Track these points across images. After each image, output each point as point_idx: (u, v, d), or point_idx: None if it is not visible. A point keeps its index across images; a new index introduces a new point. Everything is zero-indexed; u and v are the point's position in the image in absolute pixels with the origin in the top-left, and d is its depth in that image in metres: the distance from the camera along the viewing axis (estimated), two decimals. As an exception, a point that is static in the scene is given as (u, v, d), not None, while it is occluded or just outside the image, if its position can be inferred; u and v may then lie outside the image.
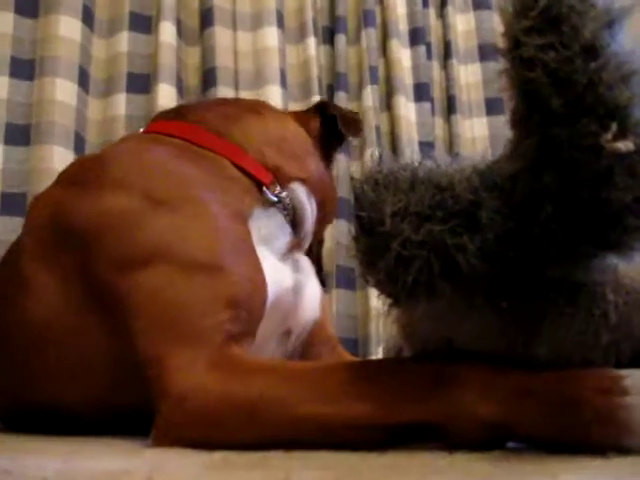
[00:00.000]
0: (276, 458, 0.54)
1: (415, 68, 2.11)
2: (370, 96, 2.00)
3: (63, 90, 1.76)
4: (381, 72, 2.08)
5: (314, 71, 1.96)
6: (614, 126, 0.43)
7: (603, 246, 0.48)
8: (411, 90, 2.09)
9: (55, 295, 0.81)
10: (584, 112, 0.43)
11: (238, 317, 0.73)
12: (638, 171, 0.44)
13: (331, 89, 2.04)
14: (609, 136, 0.43)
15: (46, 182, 1.72)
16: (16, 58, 1.76)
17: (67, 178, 0.91)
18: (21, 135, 1.75)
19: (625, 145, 0.43)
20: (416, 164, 0.55)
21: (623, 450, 0.49)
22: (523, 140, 0.47)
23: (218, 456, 0.55)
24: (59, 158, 1.74)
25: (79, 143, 1.81)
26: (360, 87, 2.04)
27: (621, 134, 0.43)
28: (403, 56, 2.09)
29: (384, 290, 0.54)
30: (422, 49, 2.12)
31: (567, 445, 0.50)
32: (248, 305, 0.76)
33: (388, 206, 0.51)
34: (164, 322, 0.70)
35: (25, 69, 1.77)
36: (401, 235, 0.50)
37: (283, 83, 1.90)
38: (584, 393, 0.51)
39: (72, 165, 0.98)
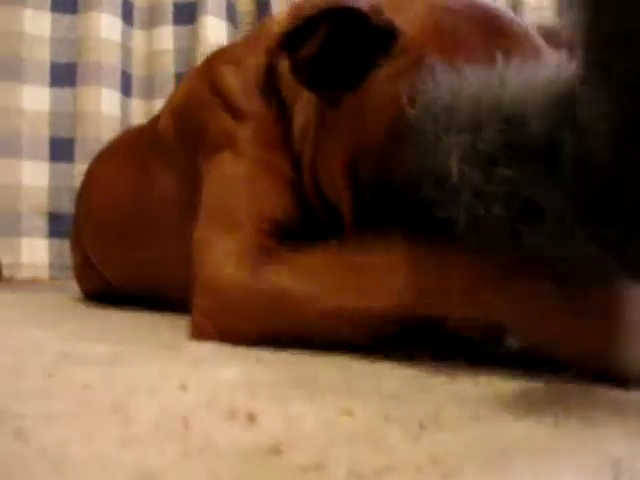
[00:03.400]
0: (304, 358, 0.58)
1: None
2: None
3: (107, 26, 1.73)
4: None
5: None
6: None
7: None
8: None
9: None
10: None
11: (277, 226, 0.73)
12: None
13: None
14: None
15: (94, 126, 1.75)
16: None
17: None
18: (66, 75, 1.74)
19: None
20: (473, 84, 0.48)
21: None
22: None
23: (252, 354, 0.59)
24: (106, 100, 1.73)
25: (126, 81, 1.79)
26: None
27: None
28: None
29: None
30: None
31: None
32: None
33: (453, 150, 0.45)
34: (216, 208, 0.75)
35: (68, 3, 1.75)
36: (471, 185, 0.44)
37: None
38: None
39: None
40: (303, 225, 0.72)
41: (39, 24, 1.71)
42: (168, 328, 0.78)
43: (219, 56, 0.89)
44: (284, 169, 0.74)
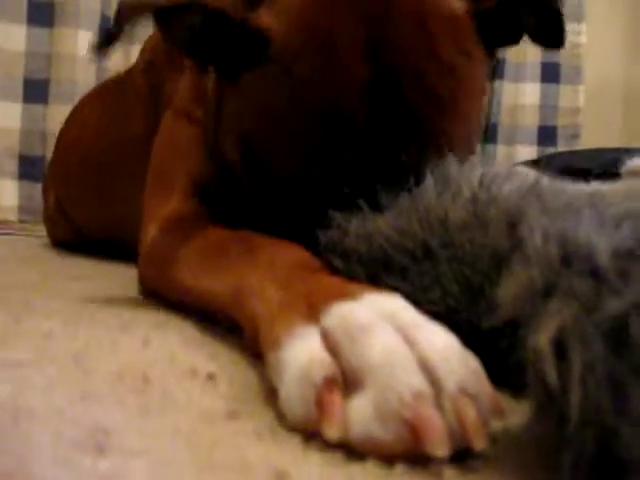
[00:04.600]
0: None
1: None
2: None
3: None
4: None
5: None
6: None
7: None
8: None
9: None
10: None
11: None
12: None
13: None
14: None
15: (69, 67, 1.73)
16: None
17: None
18: (45, 15, 1.71)
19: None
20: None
21: None
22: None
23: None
24: (83, 42, 1.70)
25: (105, 24, 1.76)
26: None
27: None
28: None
29: None
30: None
31: None
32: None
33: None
34: (155, 169, 0.78)
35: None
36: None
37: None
38: None
39: None
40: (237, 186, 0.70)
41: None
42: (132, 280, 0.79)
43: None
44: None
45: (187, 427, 0.32)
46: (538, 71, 2.08)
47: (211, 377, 0.40)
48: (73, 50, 1.70)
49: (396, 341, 0.31)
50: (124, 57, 1.78)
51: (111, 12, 1.78)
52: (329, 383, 0.31)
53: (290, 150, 0.57)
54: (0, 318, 0.53)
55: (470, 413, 0.29)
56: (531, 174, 0.47)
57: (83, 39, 1.70)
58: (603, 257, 0.27)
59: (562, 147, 2.05)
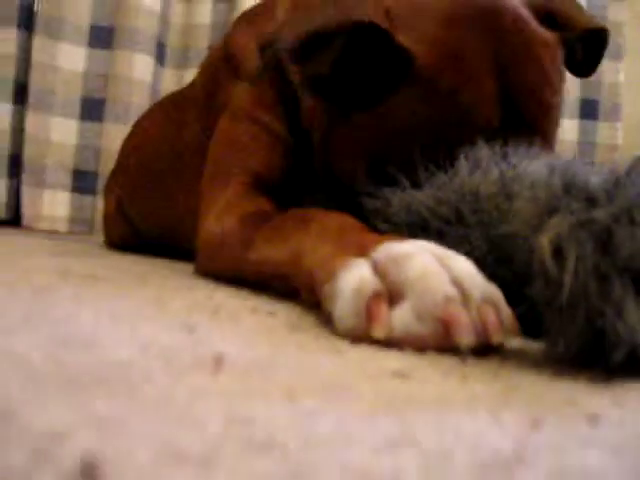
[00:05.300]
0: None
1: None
2: None
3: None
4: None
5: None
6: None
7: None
8: None
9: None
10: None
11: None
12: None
13: None
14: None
15: (125, 88, 1.84)
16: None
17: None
18: (105, 39, 1.83)
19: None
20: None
21: None
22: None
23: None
24: (139, 65, 1.81)
25: (160, 50, 1.88)
26: None
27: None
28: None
29: None
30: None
31: None
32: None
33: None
34: (213, 164, 0.85)
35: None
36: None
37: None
38: None
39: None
40: (292, 179, 0.80)
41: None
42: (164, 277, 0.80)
43: (238, 18, 0.98)
44: (274, 127, 0.82)
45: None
46: (577, 107, 2.15)
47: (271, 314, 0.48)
48: (129, 72, 1.81)
49: (432, 262, 0.39)
50: (177, 80, 1.90)
51: (166, 39, 1.91)
52: (377, 296, 0.38)
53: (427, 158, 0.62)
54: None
55: (490, 315, 0.36)
56: (554, 159, 0.54)
57: (139, 62, 1.82)
58: (596, 185, 0.35)
59: (598, 182, 2.10)
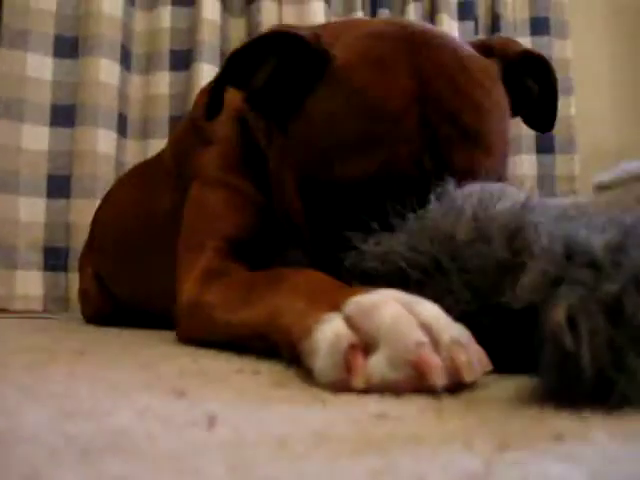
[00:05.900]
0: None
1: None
2: (413, 13, 2.08)
3: (106, 70, 1.86)
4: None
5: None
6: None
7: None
8: (455, 8, 2.14)
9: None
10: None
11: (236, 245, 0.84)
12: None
13: (374, 5, 2.12)
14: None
15: (90, 164, 1.88)
16: (59, 36, 1.88)
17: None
18: (67, 116, 1.87)
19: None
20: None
21: None
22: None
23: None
24: (102, 140, 1.85)
25: (122, 123, 1.92)
26: (404, 3, 2.12)
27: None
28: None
29: None
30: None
31: None
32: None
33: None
34: (187, 231, 0.88)
35: (68, 48, 1.88)
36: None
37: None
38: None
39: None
40: (266, 236, 0.84)
41: (41, 68, 1.85)
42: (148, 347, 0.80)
43: (201, 91, 1.02)
44: (244, 189, 0.86)
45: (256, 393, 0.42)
46: (534, 142, 2.22)
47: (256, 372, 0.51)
48: (93, 147, 1.85)
49: (401, 311, 0.42)
50: (140, 150, 1.94)
51: (127, 111, 1.95)
52: (352, 348, 0.42)
53: (350, 152, 0.66)
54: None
55: (461, 356, 0.40)
56: (521, 193, 0.56)
57: (102, 137, 1.86)
58: (598, 251, 0.39)
59: (562, 213, 2.16)
